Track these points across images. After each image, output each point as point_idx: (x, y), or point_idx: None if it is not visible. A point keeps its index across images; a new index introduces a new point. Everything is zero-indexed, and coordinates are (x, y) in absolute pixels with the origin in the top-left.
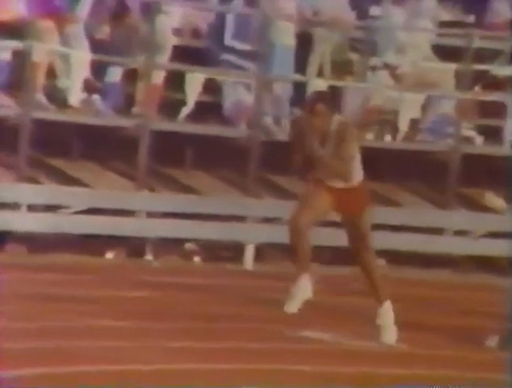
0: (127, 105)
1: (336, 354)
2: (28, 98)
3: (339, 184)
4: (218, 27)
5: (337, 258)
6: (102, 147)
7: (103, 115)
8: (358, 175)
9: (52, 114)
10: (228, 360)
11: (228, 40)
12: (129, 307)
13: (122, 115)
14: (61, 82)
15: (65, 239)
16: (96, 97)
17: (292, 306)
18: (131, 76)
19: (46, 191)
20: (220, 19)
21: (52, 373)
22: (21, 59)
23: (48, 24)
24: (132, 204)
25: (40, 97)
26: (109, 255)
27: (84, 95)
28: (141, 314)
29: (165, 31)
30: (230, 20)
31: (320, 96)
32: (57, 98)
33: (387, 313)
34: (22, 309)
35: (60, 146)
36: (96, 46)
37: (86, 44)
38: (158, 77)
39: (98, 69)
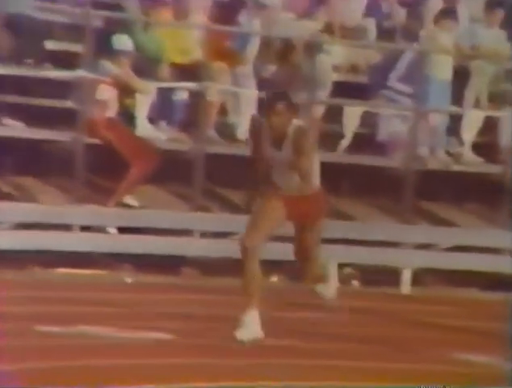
0: None
1: None
2: (202, 134)
3: (294, 192)
4: (382, 66)
5: None
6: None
7: None
8: (314, 182)
9: (223, 148)
10: (397, 380)
11: (393, 82)
12: (291, 327)
13: None
14: (231, 119)
15: (231, 263)
16: None
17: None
18: None
19: (216, 220)
20: (386, 59)
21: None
22: (196, 98)
23: (221, 66)
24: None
25: (212, 133)
26: (273, 279)
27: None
28: (304, 334)
29: (326, 69)
30: (400, 63)
31: (280, 96)
32: (227, 133)
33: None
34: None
35: (229, 177)
36: (262, 84)
37: (253, 82)
38: (318, 111)
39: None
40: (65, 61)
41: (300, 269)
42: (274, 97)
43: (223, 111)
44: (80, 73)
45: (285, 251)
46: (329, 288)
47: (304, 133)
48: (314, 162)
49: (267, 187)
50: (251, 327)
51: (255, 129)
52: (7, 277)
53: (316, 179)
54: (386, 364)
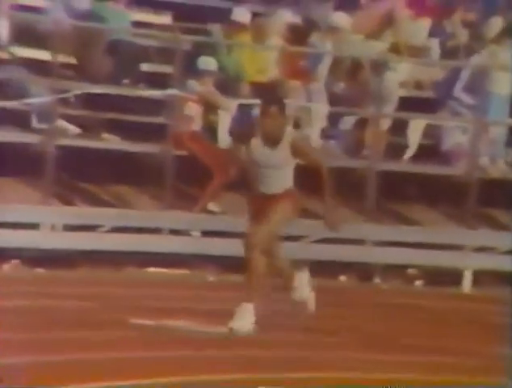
0: (357, 149)
1: None
2: None
3: (273, 190)
4: (447, 80)
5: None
6: (334, 185)
7: (337, 157)
8: (290, 182)
9: None
10: (450, 373)
11: (458, 92)
12: (360, 324)
13: (353, 157)
14: (304, 130)
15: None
16: (332, 142)
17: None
18: (361, 124)
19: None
20: (451, 75)
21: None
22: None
23: (295, 83)
24: (364, 235)
25: None
26: (342, 278)
27: (322, 141)
28: (371, 330)
29: (392, 85)
30: (464, 74)
31: (275, 100)
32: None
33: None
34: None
35: (303, 185)
36: (333, 99)
37: (325, 97)
38: (385, 124)
39: (334, 118)
40: (157, 81)
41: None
42: (268, 100)
43: (296, 123)
44: (170, 91)
45: (353, 253)
46: (303, 293)
47: (302, 138)
48: (292, 164)
49: (251, 188)
50: (245, 319)
51: (243, 134)
52: (105, 276)
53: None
54: (447, 359)
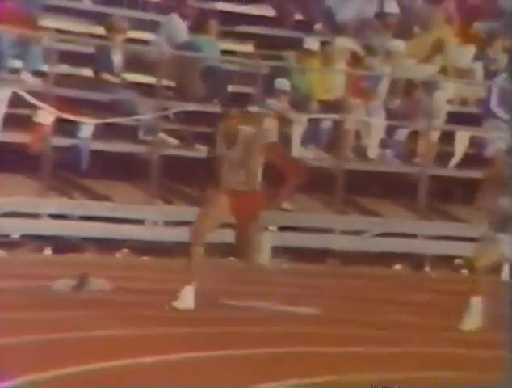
0: (410, 156)
1: None
2: (341, 153)
3: (240, 187)
4: (489, 98)
5: None
6: (391, 188)
7: (393, 164)
8: (257, 181)
9: (357, 164)
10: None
11: (494, 106)
12: (409, 309)
13: (406, 164)
14: (364, 142)
15: (364, 255)
16: (388, 151)
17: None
18: (414, 135)
19: (351, 221)
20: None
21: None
22: (338, 127)
23: (356, 101)
24: (417, 230)
25: (348, 153)
26: (397, 267)
27: (379, 151)
28: (423, 314)
29: (441, 102)
30: (495, 92)
31: (236, 103)
32: (360, 153)
33: None
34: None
35: (365, 188)
36: (389, 114)
37: (383, 113)
38: (434, 135)
39: (390, 131)
40: (240, 99)
41: (240, 251)
42: (229, 104)
43: (357, 136)
44: (252, 108)
45: (407, 246)
46: (263, 257)
47: (253, 138)
48: (258, 163)
49: (218, 183)
50: (186, 299)
51: (216, 134)
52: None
53: (258, 179)
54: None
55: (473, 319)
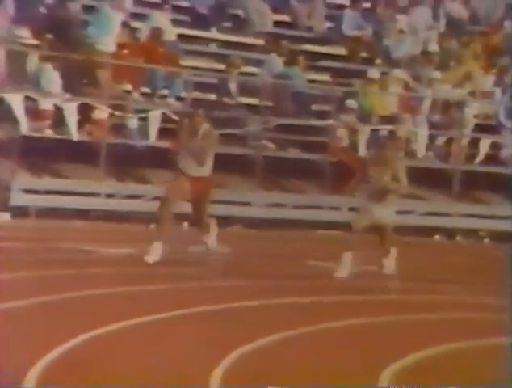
0: (446, 156)
1: None
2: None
3: (195, 174)
4: (497, 112)
5: None
6: (432, 180)
7: (434, 162)
8: (208, 170)
9: (408, 162)
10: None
11: (503, 120)
12: (446, 268)
13: (443, 162)
14: (412, 146)
15: (412, 228)
16: (431, 153)
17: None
18: (449, 141)
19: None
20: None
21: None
22: (392, 135)
23: (406, 116)
24: (451, 210)
25: (401, 155)
26: (436, 237)
27: (425, 152)
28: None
29: (469, 117)
30: (502, 108)
31: (201, 108)
32: (410, 155)
33: None
34: None
35: (423, 181)
36: (431, 125)
37: (426, 124)
38: (464, 141)
39: (432, 138)
40: (321, 115)
41: (195, 220)
42: (196, 108)
43: (407, 141)
44: (329, 122)
45: (444, 221)
46: (211, 239)
47: (208, 133)
48: (210, 155)
49: (179, 169)
50: (156, 253)
51: (179, 128)
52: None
53: (209, 168)
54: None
55: (343, 269)
